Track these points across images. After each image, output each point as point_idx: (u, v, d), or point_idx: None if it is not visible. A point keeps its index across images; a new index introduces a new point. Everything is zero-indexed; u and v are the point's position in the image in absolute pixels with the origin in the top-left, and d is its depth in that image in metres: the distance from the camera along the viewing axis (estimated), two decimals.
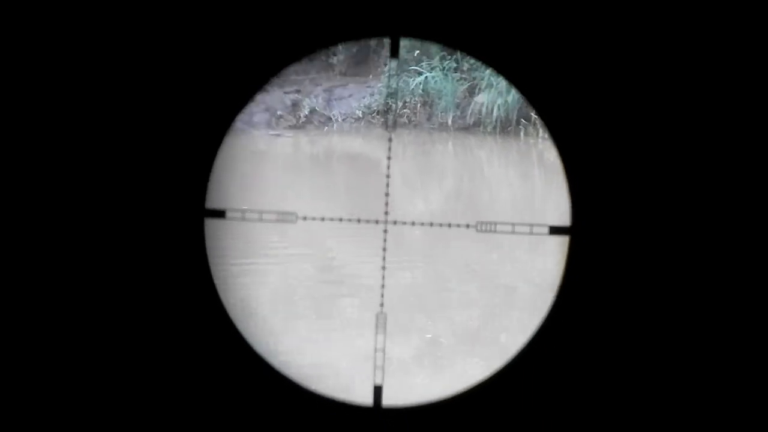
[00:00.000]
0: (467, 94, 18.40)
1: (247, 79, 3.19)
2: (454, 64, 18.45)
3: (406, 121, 18.49)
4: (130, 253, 3.18)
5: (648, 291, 3.21)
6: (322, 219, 3.89)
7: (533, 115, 17.28)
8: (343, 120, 18.76)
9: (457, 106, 18.36)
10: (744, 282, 3.20)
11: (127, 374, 3.24)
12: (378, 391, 3.34)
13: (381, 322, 3.57)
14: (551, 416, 3.27)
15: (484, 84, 18.11)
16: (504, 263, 10.53)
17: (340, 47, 19.88)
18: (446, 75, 18.45)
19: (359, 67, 19.89)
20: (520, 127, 17.70)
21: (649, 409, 3.26)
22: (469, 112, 18.19)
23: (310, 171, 16.15)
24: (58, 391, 3.24)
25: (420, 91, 18.56)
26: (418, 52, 18.62)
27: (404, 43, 18.44)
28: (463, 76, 18.46)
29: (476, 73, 18.26)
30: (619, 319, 3.22)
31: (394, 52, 3.39)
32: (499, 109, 17.80)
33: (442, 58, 18.50)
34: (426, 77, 18.53)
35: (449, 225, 4.07)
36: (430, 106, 18.55)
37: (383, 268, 3.65)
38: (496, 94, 17.87)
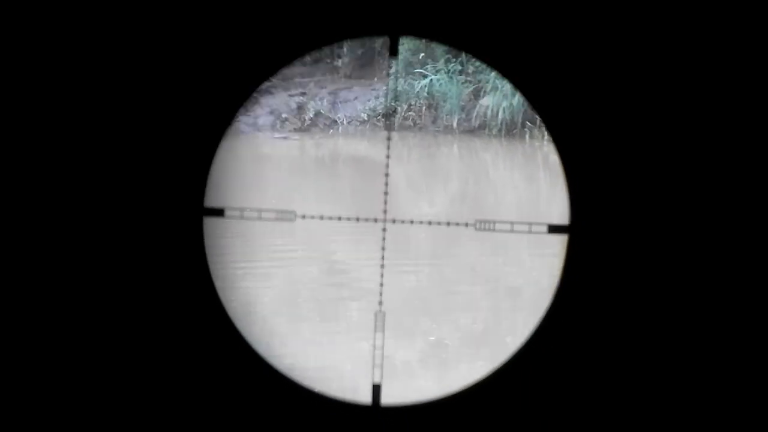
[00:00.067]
0: (472, 97, 18.44)
1: (247, 77, 3.18)
2: (459, 67, 18.50)
3: (411, 124, 18.51)
4: (129, 251, 3.17)
5: (646, 289, 3.19)
6: (321, 217, 3.89)
7: (538, 118, 17.26)
8: (348, 123, 18.79)
9: (462, 108, 18.41)
10: (743, 281, 3.18)
11: (126, 372, 3.23)
12: (377, 389, 3.32)
13: (380, 321, 3.56)
14: (550, 414, 3.26)
15: (489, 87, 18.15)
16: (508, 265, 10.53)
17: (344, 50, 19.93)
18: (451, 78, 18.48)
19: (364, 69, 19.93)
20: (526, 129, 17.73)
21: (647, 407, 3.24)
22: (474, 114, 18.24)
23: (312, 173, 16.19)
24: (57, 389, 3.23)
25: (425, 94, 18.58)
26: (423, 55, 18.65)
27: (409, 46, 18.50)
28: (468, 78, 18.50)
29: (481, 76, 18.30)
30: (617, 317, 3.21)
31: (394, 51, 3.39)
32: (504, 111, 17.84)
33: (447, 61, 18.52)
34: (431, 80, 18.56)
35: (448, 223, 4.06)
36: (435, 109, 18.58)
37: (382, 266, 3.65)
38: (501, 96, 17.90)
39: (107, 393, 3.22)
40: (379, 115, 18.72)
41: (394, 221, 3.64)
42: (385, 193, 3.66)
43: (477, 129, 18.18)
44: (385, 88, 18.82)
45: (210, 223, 3.22)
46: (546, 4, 3.11)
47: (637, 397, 3.23)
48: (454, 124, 18.33)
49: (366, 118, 18.76)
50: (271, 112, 18.82)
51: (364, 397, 3.30)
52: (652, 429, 3.23)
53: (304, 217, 3.59)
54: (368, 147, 17.92)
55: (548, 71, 3.13)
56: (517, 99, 17.57)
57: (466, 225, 3.65)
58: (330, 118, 18.90)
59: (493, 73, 17.78)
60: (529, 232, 3.36)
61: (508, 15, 3.12)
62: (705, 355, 3.20)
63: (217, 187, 3.31)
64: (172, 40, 3.12)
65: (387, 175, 3.87)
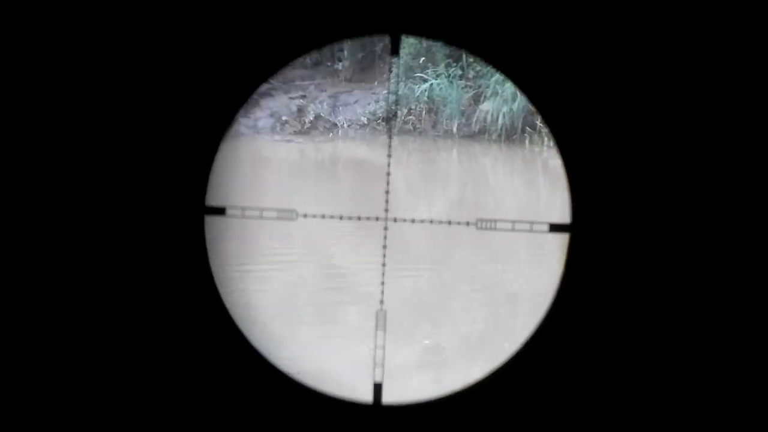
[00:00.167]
0: (472, 102, 18.40)
1: (248, 76, 3.19)
2: (460, 72, 18.46)
3: (411, 128, 18.49)
4: (131, 249, 3.18)
5: (647, 288, 3.20)
6: (323, 216, 3.88)
7: (538, 123, 17.28)
8: (348, 126, 18.77)
9: (462, 113, 18.36)
10: (743, 280, 3.19)
11: (127, 370, 3.23)
12: (378, 388, 3.33)
13: (381, 320, 3.56)
14: (551, 413, 3.26)
15: (489, 92, 18.11)
16: (508, 271, 10.52)
17: (345, 53, 19.92)
18: (451, 82, 18.45)
19: (365, 73, 19.91)
20: (525, 135, 17.70)
21: (648, 404, 3.25)
22: (474, 119, 18.19)
23: (312, 175, 16.18)
24: (59, 388, 3.23)
25: (425, 99, 18.55)
26: (423, 59, 18.64)
27: (410, 50, 18.49)
28: (469, 83, 18.46)
29: (482, 81, 18.27)
30: (618, 315, 3.21)
31: (395, 50, 3.39)
32: (504, 117, 17.80)
33: (448, 66, 18.50)
34: (431, 84, 18.53)
35: (449, 222, 4.05)
36: (435, 114, 18.55)
37: (383, 265, 3.64)
38: (501, 102, 17.87)
39: (108, 391, 3.23)
40: (379, 119, 18.69)
41: (395, 220, 3.63)
42: (387, 192, 3.66)
43: (477, 134, 18.15)
44: (385, 92, 18.79)
45: (211, 222, 3.21)
46: (547, 3, 3.12)
47: (638, 393, 3.23)
48: (454, 129, 18.29)
49: (366, 122, 18.72)
50: (271, 115, 18.79)
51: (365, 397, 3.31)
52: (654, 428, 3.23)
53: (305, 216, 3.58)
54: (368, 151, 17.91)
55: (549, 70, 3.13)
56: (518, 104, 17.54)
57: (467, 224, 3.65)
58: (330, 121, 18.88)
59: (494, 78, 17.82)
60: (531, 231, 3.35)
61: (509, 14, 3.13)
62: (707, 351, 3.21)
63: (218, 187, 3.31)
64: (174, 39, 3.13)
65: (389, 174, 3.87)
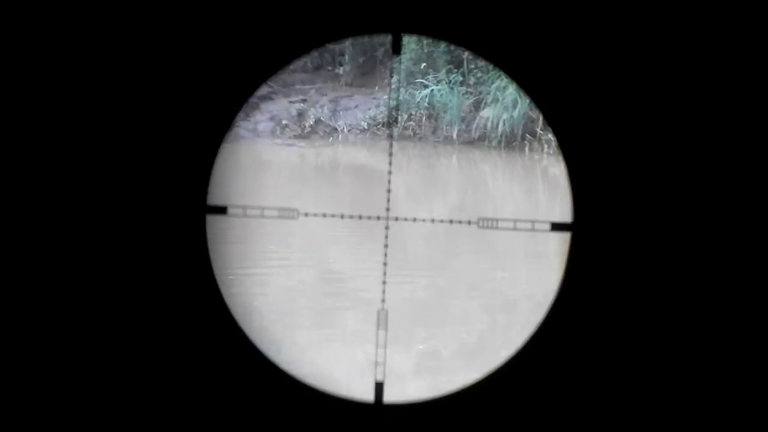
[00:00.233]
0: (473, 108, 18.42)
1: (250, 76, 3.19)
2: (461, 78, 18.48)
3: (411, 134, 18.50)
4: (133, 248, 3.18)
5: (649, 287, 3.20)
6: (324, 215, 3.87)
7: (538, 131, 17.30)
8: (349, 131, 18.79)
9: (463, 119, 18.38)
10: (744, 279, 3.19)
11: (129, 368, 3.23)
12: (379, 387, 3.32)
13: (382, 319, 3.56)
14: (553, 411, 3.26)
15: (490, 98, 18.13)
16: (508, 278, 10.51)
17: (346, 57, 19.95)
18: (452, 88, 18.47)
19: (365, 78, 19.94)
20: (525, 142, 17.71)
21: (649, 403, 3.24)
22: (475, 126, 18.21)
23: (313, 178, 16.19)
24: (61, 385, 3.22)
25: (425, 104, 18.56)
26: (424, 64, 18.66)
27: (411, 55, 18.52)
28: (469, 90, 18.48)
29: (482, 88, 18.29)
30: (620, 314, 3.21)
31: (396, 49, 3.39)
32: (504, 124, 17.82)
33: (449, 72, 18.52)
34: (432, 90, 18.55)
35: (450, 221, 4.05)
36: (436, 120, 18.56)
37: (385, 264, 3.64)
38: (501, 108, 17.89)
39: (110, 388, 3.22)
40: (379, 124, 18.71)
41: (397, 219, 3.63)
42: (388, 191, 3.66)
43: (477, 140, 18.16)
44: (386, 96, 18.80)
45: (213, 221, 3.21)
46: (548, 2, 3.12)
47: (640, 391, 3.23)
48: (454, 135, 18.30)
49: (366, 127, 18.75)
50: (272, 118, 18.82)
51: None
52: (655, 427, 3.23)
53: (306, 215, 3.57)
54: (368, 156, 17.92)
55: (551, 69, 3.14)
56: (518, 111, 17.56)
57: (469, 223, 3.65)
58: (330, 125, 18.90)
59: (494, 85, 17.84)
60: (532, 230, 3.35)
61: (511, 13, 3.13)
62: (708, 349, 3.21)
63: (219, 187, 3.31)
64: (175, 39, 3.13)
65: (390, 173, 3.87)
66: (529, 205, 14.66)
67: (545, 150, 17.17)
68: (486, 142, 18.02)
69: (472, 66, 18.30)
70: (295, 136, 18.58)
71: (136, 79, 3.13)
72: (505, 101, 17.73)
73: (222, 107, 3.17)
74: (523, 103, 17.25)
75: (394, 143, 18.32)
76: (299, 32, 3.17)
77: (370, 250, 9.51)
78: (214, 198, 3.21)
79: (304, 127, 18.78)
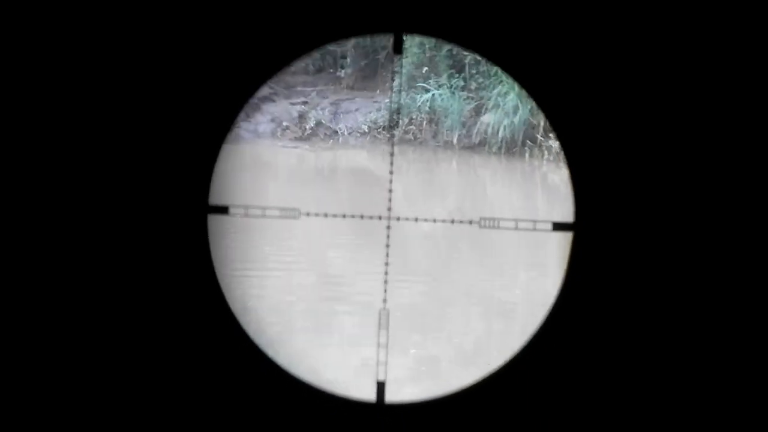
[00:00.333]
0: (474, 114, 18.39)
1: (251, 76, 3.20)
2: (462, 83, 18.46)
3: (412, 138, 18.48)
4: (135, 246, 3.19)
5: (650, 286, 3.21)
6: (325, 215, 3.87)
7: (539, 137, 17.29)
8: (349, 134, 18.77)
9: (463, 124, 18.35)
10: (745, 280, 3.20)
11: (130, 366, 3.24)
12: (381, 387, 3.32)
13: (384, 319, 3.55)
14: (554, 410, 3.26)
15: (491, 104, 18.11)
16: (510, 287, 10.50)
17: (348, 60, 19.92)
18: (453, 93, 18.45)
19: (367, 81, 19.91)
20: (526, 148, 17.68)
21: (651, 402, 3.25)
22: (475, 131, 18.18)
23: (314, 180, 16.17)
24: (61, 385, 3.23)
25: (426, 109, 18.55)
26: (426, 69, 18.65)
27: (413, 59, 18.50)
28: (470, 95, 18.45)
29: (483, 93, 18.27)
30: (621, 313, 3.22)
31: (398, 49, 3.39)
32: (505, 129, 17.78)
33: (450, 76, 18.51)
34: (433, 95, 18.53)
35: (452, 221, 4.05)
36: (436, 124, 18.54)
37: (386, 264, 3.64)
38: (502, 114, 17.87)
39: (111, 386, 3.24)
40: (380, 128, 18.69)
41: (398, 219, 3.63)
42: (390, 191, 3.66)
43: (477, 146, 18.14)
44: (387, 100, 18.78)
45: (214, 221, 3.21)
46: (549, 3, 3.14)
47: (642, 388, 3.24)
48: (455, 140, 18.28)
49: (367, 130, 18.73)
50: (272, 120, 18.80)
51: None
52: (657, 427, 3.24)
53: (308, 214, 3.57)
54: (368, 158, 17.90)
55: (553, 69, 3.15)
56: (519, 117, 17.55)
57: (470, 222, 3.65)
58: (331, 128, 18.88)
59: (495, 91, 17.83)
60: (534, 229, 3.34)
61: (512, 13, 3.14)
62: (709, 347, 3.22)
63: (221, 187, 3.31)
64: (176, 39, 3.14)
65: (392, 172, 3.86)
66: (527, 211, 14.64)
67: (545, 156, 17.14)
68: (486, 148, 17.99)
69: (474, 71, 18.29)
70: (296, 138, 18.56)
71: (138, 80, 3.14)
72: (506, 107, 17.71)
73: (223, 107, 3.18)
74: (524, 109, 17.25)
75: (396, 139, 18.28)
76: (301, 32, 3.18)
77: (371, 251, 9.50)
78: (216, 198, 3.21)
79: (305, 129, 18.76)
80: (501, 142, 17.83)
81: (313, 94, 19.55)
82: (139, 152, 3.15)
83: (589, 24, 3.14)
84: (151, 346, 3.22)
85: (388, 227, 3.59)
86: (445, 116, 18.45)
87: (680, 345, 3.22)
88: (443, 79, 18.58)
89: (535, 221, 3.39)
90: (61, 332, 3.19)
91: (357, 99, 19.47)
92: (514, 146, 17.82)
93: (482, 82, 18.28)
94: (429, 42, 18.31)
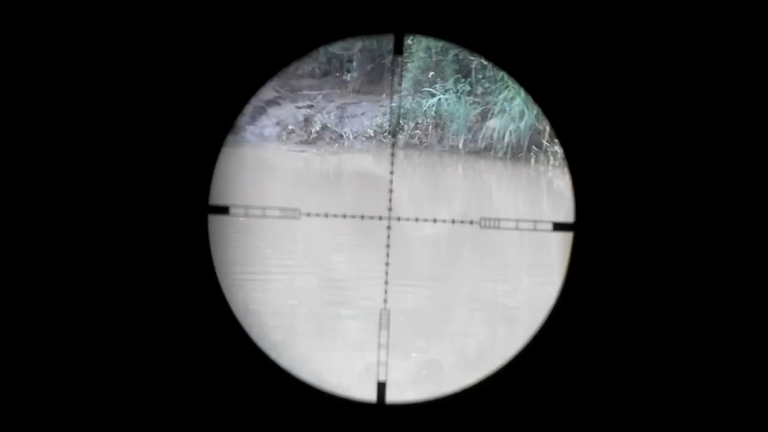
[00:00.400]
0: (479, 119, 18.39)
1: (252, 75, 3.19)
2: (468, 87, 18.47)
3: (417, 142, 18.50)
4: (135, 247, 3.18)
5: (651, 286, 3.20)
6: (326, 215, 3.86)
7: (545, 142, 17.28)
8: (355, 138, 18.78)
9: (469, 129, 18.35)
10: (745, 281, 3.19)
11: (130, 366, 3.23)
12: (382, 387, 3.31)
13: (384, 319, 3.55)
14: (555, 410, 3.25)
15: (497, 109, 18.11)
16: (514, 292, 10.49)
17: (354, 64, 19.94)
18: (459, 98, 18.45)
19: (373, 85, 19.92)
20: (531, 153, 17.68)
21: (651, 401, 3.24)
22: (481, 136, 18.18)
23: (317, 181, 16.19)
24: (61, 386, 3.22)
25: (432, 113, 18.55)
26: (432, 73, 18.66)
27: (419, 64, 18.51)
28: (477, 99, 18.46)
29: (489, 98, 18.28)
30: (622, 313, 3.21)
31: (398, 49, 3.39)
32: (510, 134, 17.79)
33: (457, 81, 18.51)
34: (439, 99, 18.54)
35: (453, 221, 4.04)
36: (442, 129, 18.55)
37: (387, 264, 3.63)
38: (508, 119, 17.87)
39: (112, 386, 3.22)
40: (385, 132, 18.70)
41: (399, 219, 3.62)
42: (390, 191, 3.66)
43: (483, 151, 18.14)
44: (394, 104, 18.78)
45: (215, 221, 3.21)
46: (550, 4, 3.13)
47: (641, 388, 3.23)
48: (460, 145, 18.29)
49: (372, 134, 18.74)
50: (278, 123, 18.83)
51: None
52: (657, 426, 3.24)
53: (308, 214, 3.57)
54: (373, 163, 17.91)
55: (553, 69, 3.14)
56: (525, 123, 17.54)
57: (471, 223, 3.64)
58: (336, 132, 18.90)
59: (502, 96, 17.83)
60: (534, 229, 3.34)
61: (512, 13, 3.13)
62: (709, 348, 3.22)
63: (224, 189, 3.31)
64: (176, 40, 3.14)
65: (392, 173, 3.86)
66: (533, 216, 14.64)
67: (551, 162, 17.13)
68: (492, 153, 17.99)
69: (480, 76, 18.30)
70: (302, 142, 18.59)
71: (138, 80, 3.14)
72: (512, 112, 17.71)
73: (224, 107, 3.17)
74: (530, 115, 17.25)
75: (398, 150, 18.29)
76: (301, 32, 3.17)
77: (371, 251, 9.50)
78: (216, 198, 3.21)
79: (311, 132, 18.79)
80: (507, 147, 17.83)
81: (319, 97, 19.58)
82: (140, 153, 3.15)
83: (587, 23, 3.14)
84: (151, 347, 3.22)
85: (389, 227, 3.58)
86: (451, 121, 18.46)
87: (680, 345, 3.22)
88: (449, 84, 18.59)
89: (535, 221, 3.38)
90: (60, 333, 3.19)
91: (363, 103, 19.48)
92: (519, 151, 17.82)
93: (488, 87, 18.29)
94: (435, 46, 18.33)
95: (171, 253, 3.18)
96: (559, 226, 3.29)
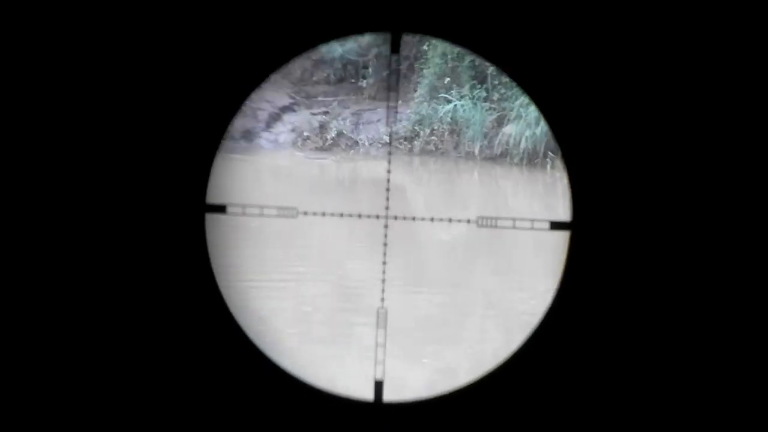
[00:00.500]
0: (495, 125, 18.36)
1: (249, 74, 3.20)
2: (484, 94, 18.45)
3: (433, 149, 18.49)
4: (132, 246, 3.19)
5: (647, 285, 3.19)
6: (323, 214, 3.87)
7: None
8: (370, 144, 18.80)
9: (485, 135, 18.33)
10: (742, 279, 3.17)
11: (127, 366, 3.23)
12: (379, 386, 3.32)
13: (381, 318, 3.55)
14: (553, 409, 3.25)
15: (513, 115, 18.09)
16: (529, 299, 10.46)
17: (369, 70, 19.97)
18: (475, 104, 18.44)
19: (389, 91, 19.91)
20: (547, 159, 17.63)
21: (647, 400, 3.23)
22: (497, 142, 18.15)
23: (335, 191, 16.24)
24: (59, 386, 3.23)
25: (448, 120, 18.54)
26: (448, 79, 18.66)
27: (435, 70, 18.51)
28: (492, 105, 18.43)
29: (505, 104, 18.25)
30: (618, 312, 3.20)
31: (395, 48, 3.38)
32: (526, 140, 17.75)
33: (473, 87, 18.50)
34: (455, 105, 18.53)
35: (450, 220, 4.04)
36: (458, 135, 18.53)
37: (384, 263, 3.63)
38: (524, 125, 17.83)
39: (108, 386, 3.23)
40: (401, 138, 18.70)
41: (396, 218, 3.62)
42: (387, 190, 3.67)
43: (498, 157, 18.11)
44: (409, 111, 18.78)
45: (212, 220, 3.20)
46: (543, 1, 3.13)
47: (637, 387, 3.23)
48: (476, 151, 18.26)
49: (388, 141, 18.74)
50: (293, 130, 18.88)
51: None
52: (655, 426, 3.23)
53: (305, 213, 3.57)
54: (388, 168, 17.89)
55: (550, 67, 3.14)
56: (540, 129, 17.50)
57: (468, 221, 3.63)
58: (352, 138, 18.92)
59: (518, 102, 17.80)
60: (532, 228, 3.32)
61: (508, 11, 3.14)
62: (706, 347, 3.21)
63: (220, 188, 3.31)
64: (173, 38, 3.15)
65: (389, 171, 3.86)
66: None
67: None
68: (508, 159, 17.96)
69: (496, 82, 18.27)
70: (317, 149, 18.62)
71: (134, 79, 3.15)
72: (528, 118, 17.67)
73: (221, 106, 3.18)
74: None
75: (414, 156, 18.29)
76: (298, 31, 3.18)
77: (369, 250, 9.50)
78: (214, 197, 3.21)
79: (326, 139, 18.82)
80: (523, 153, 17.79)
81: (335, 104, 19.61)
82: (137, 151, 3.16)
83: (584, 22, 3.13)
84: (147, 346, 3.22)
85: (386, 226, 3.59)
86: (467, 127, 18.44)
87: (677, 343, 3.20)
88: (465, 90, 18.58)
89: (533, 220, 3.38)
90: (54, 333, 3.20)
91: (378, 109, 19.49)
92: (535, 157, 17.77)
93: (504, 93, 18.26)
94: (451, 52, 18.33)
95: (168, 251, 3.19)
96: (556, 225, 3.28)
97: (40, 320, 3.18)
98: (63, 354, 3.19)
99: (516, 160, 17.85)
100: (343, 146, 18.83)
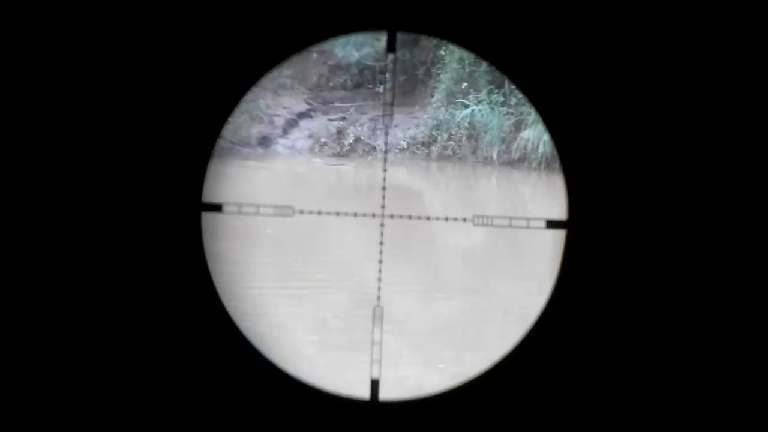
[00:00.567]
0: (513, 129, 18.33)
1: (245, 72, 3.20)
2: (502, 98, 18.42)
3: (451, 154, 18.47)
4: (128, 244, 3.19)
5: (643, 283, 3.18)
6: (319, 213, 3.87)
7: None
8: (387, 150, 18.81)
9: (503, 140, 18.29)
10: (740, 278, 3.16)
11: (123, 365, 3.23)
12: (375, 384, 3.31)
13: (378, 316, 3.55)
14: (549, 408, 3.24)
15: (530, 119, 18.04)
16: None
17: (387, 76, 19.98)
18: (493, 109, 18.41)
19: (406, 97, 19.92)
20: None
21: (644, 399, 3.23)
22: (515, 146, 18.11)
23: (353, 197, 16.26)
24: (55, 386, 3.24)
25: (466, 124, 18.51)
26: (465, 84, 18.63)
27: (452, 75, 18.50)
28: (510, 110, 18.40)
29: (523, 108, 18.20)
30: (614, 311, 3.19)
31: (391, 47, 3.37)
32: (544, 145, 17.69)
33: (490, 92, 18.47)
34: (472, 110, 18.50)
35: (446, 219, 4.03)
36: (476, 140, 18.50)
37: (380, 261, 3.62)
38: (542, 129, 17.76)
39: (104, 386, 3.23)
40: (419, 144, 18.69)
41: (392, 216, 3.61)
42: (384, 188, 3.67)
43: (516, 161, 18.07)
44: (426, 116, 18.79)
45: (208, 218, 3.19)
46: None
47: (633, 385, 3.23)
48: (494, 156, 18.23)
49: (406, 146, 18.74)
50: (310, 136, 18.91)
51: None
52: (653, 425, 3.23)
53: (302, 212, 3.57)
54: (407, 174, 17.91)
55: (546, 66, 3.13)
56: None
57: (464, 220, 3.63)
58: (369, 144, 18.92)
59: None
60: (528, 227, 3.32)
61: (503, 10, 3.13)
62: (703, 346, 3.19)
63: (217, 186, 3.31)
64: (171, 36, 3.16)
65: (385, 170, 3.87)
66: None
67: None
68: (526, 164, 17.92)
69: (514, 86, 18.22)
70: (334, 155, 18.65)
71: (131, 77, 3.16)
72: None
73: (217, 104, 3.19)
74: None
75: (432, 161, 18.29)
76: (294, 29, 3.18)
77: (365, 249, 9.50)
78: (210, 195, 3.20)
79: (343, 145, 18.84)
80: (541, 157, 17.74)
81: (352, 109, 19.63)
82: (133, 149, 3.17)
83: (581, 20, 3.12)
84: (144, 344, 3.22)
85: (382, 225, 3.59)
86: (485, 132, 18.42)
87: (673, 342, 3.19)
88: (483, 95, 18.55)
89: (528, 219, 3.37)
90: (50, 333, 3.21)
91: (396, 115, 19.48)
92: (554, 161, 17.70)
93: (522, 97, 18.20)
94: (468, 57, 18.31)
95: (164, 249, 3.20)
96: (552, 224, 3.27)
97: (35, 319, 3.19)
98: (59, 353, 3.21)
99: (534, 164, 17.80)
100: (361, 152, 18.84)
